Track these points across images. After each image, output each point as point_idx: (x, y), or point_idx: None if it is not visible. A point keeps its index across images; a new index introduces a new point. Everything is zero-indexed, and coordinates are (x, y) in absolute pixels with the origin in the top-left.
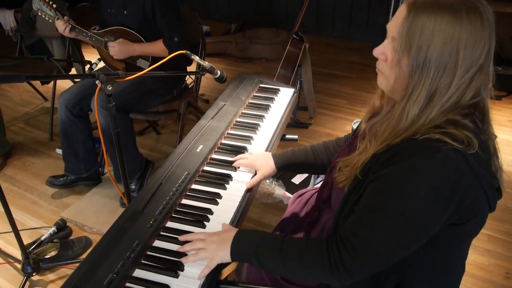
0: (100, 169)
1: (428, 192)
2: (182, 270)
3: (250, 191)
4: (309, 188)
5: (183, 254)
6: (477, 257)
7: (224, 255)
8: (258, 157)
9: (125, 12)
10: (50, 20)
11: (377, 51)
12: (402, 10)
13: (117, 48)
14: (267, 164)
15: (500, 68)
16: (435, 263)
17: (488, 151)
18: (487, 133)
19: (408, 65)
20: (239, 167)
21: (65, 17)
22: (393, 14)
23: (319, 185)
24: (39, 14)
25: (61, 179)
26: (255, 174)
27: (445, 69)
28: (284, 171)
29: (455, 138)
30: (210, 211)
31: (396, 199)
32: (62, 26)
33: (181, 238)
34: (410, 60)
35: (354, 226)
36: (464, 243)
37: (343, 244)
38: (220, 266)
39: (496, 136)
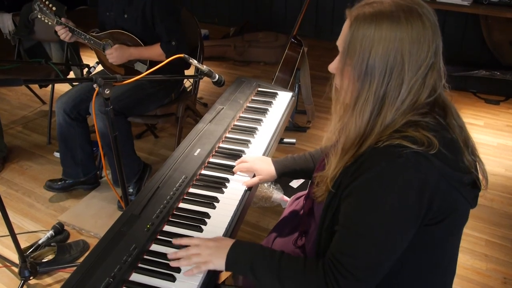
0: (98, 172)
1: (395, 199)
2: (179, 273)
3: (248, 193)
4: (307, 191)
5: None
6: (475, 262)
7: (218, 262)
8: (257, 160)
9: (125, 16)
10: (50, 23)
11: (331, 67)
12: (346, 25)
13: (115, 55)
14: (268, 170)
15: (498, 73)
16: (420, 267)
17: (456, 147)
18: (452, 127)
19: (351, 74)
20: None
21: (63, 18)
22: None
23: None
24: (39, 16)
25: (59, 183)
26: (253, 176)
27: (392, 72)
28: (283, 177)
29: (414, 141)
30: (207, 215)
31: (368, 211)
32: (63, 33)
33: (175, 241)
34: (352, 69)
35: (338, 244)
36: (446, 243)
37: (334, 265)
38: (217, 271)
39: (462, 128)
